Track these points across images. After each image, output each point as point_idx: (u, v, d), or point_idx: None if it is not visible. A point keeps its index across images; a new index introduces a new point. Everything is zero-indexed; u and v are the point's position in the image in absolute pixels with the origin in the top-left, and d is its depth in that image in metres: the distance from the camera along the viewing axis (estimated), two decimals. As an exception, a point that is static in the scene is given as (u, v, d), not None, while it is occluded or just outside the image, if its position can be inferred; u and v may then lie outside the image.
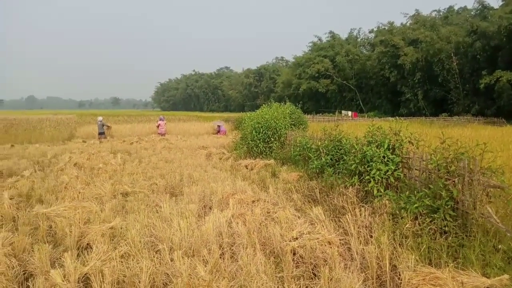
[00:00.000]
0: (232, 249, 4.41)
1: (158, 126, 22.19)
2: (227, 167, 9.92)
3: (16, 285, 3.54)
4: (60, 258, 4.08)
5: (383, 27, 54.87)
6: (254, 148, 11.64)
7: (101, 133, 19.89)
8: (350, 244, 4.28)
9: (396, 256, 3.89)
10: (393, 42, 47.19)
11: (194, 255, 4.16)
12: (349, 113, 47.18)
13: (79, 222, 5.08)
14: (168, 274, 3.68)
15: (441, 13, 52.62)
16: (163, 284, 3.60)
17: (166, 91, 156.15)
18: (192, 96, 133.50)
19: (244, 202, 5.98)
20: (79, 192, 6.78)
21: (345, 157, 7.22)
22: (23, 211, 5.75)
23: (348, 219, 4.68)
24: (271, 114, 12.20)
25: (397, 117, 29.91)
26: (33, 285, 3.42)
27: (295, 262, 4.05)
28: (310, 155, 8.26)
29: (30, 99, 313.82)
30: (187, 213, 5.35)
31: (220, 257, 4.05)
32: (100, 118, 20.77)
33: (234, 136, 15.63)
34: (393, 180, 5.84)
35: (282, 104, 15.57)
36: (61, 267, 3.70)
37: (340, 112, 49.12)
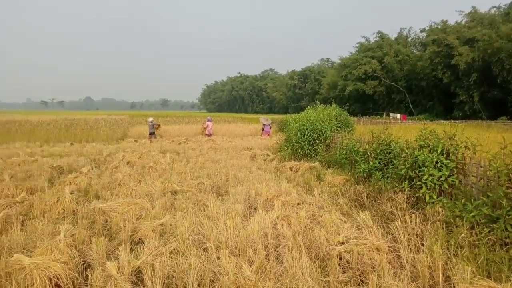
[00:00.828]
0: (277, 251, 4.42)
1: (205, 128, 22.73)
2: (271, 168, 9.94)
3: (76, 273, 3.79)
4: (114, 251, 4.33)
5: (435, 25, 52.17)
6: (299, 150, 11.57)
7: (151, 133, 20.79)
8: (399, 252, 4.13)
9: (450, 267, 3.70)
10: (446, 41, 44.68)
11: (240, 255, 4.23)
12: (398, 115, 45.40)
13: (132, 218, 5.35)
14: (215, 272, 3.77)
15: (502, 10, 48.99)
16: (210, 281, 3.69)
17: (212, 93, 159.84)
18: (237, 97, 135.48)
19: (289, 204, 5.98)
20: (132, 189, 7.13)
21: (394, 161, 6.98)
22: (82, 205, 6.16)
23: (397, 225, 4.52)
24: (316, 116, 12.07)
25: (451, 120, 28.31)
26: (91, 275, 3.65)
27: (342, 267, 3.98)
28: (357, 158, 8.07)
29: (87, 100, 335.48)
30: (233, 213, 5.44)
31: (266, 258, 4.08)
32: (150, 119, 21.72)
33: (278, 137, 15.63)
34: (447, 187, 5.57)
35: (328, 106, 15.35)
36: (116, 259, 3.91)
37: (388, 115, 47.39)
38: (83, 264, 4.09)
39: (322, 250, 4.30)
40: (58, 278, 3.56)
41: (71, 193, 6.45)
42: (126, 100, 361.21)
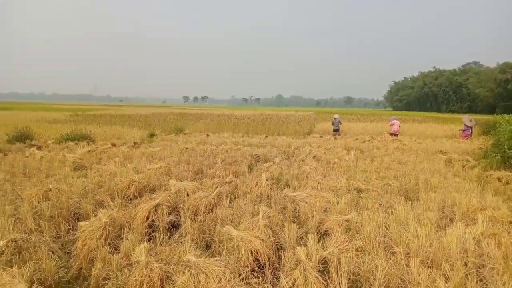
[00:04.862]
0: (480, 272, 3.82)
1: (391, 125, 21.50)
2: (472, 177, 8.60)
3: (271, 251, 4.26)
4: (303, 238, 4.62)
5: None
6: (512, 158, 9.59)
7: (335, 130, 21.14)
8: None
9: None
10: None
11: (432, 267, 3.85)
12: None
13: (319, 210, 5.60)
14: (403, 280, 3.56)
15: None
16: (398, 288, 3.51)
17: (400, 90, 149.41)
18: (429, 95, 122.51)
19: (498, 220, 5.05)
20: (318, 182, 7.44)
21: None
22: (275, 192, 6.83)
23: None
24: (541, 117, 9.71)
25: None
26: (283, 255, 4.03)
27: None
28: None
29: (278, 98, 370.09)
30: (424, 220, 5.00)
31: (465, 277, 3.58)
32: (336, 116, 22.09)
33: (482, 142, 13.33)
34: None
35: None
36: (304, 246, 4.17)
37: None
38: (277, 244, 4.55)
39: (546, 284, 3.46)
40: (257, 253, 4.08)
41: (266, 180, 7.25)
42: (312, 98, 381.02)
